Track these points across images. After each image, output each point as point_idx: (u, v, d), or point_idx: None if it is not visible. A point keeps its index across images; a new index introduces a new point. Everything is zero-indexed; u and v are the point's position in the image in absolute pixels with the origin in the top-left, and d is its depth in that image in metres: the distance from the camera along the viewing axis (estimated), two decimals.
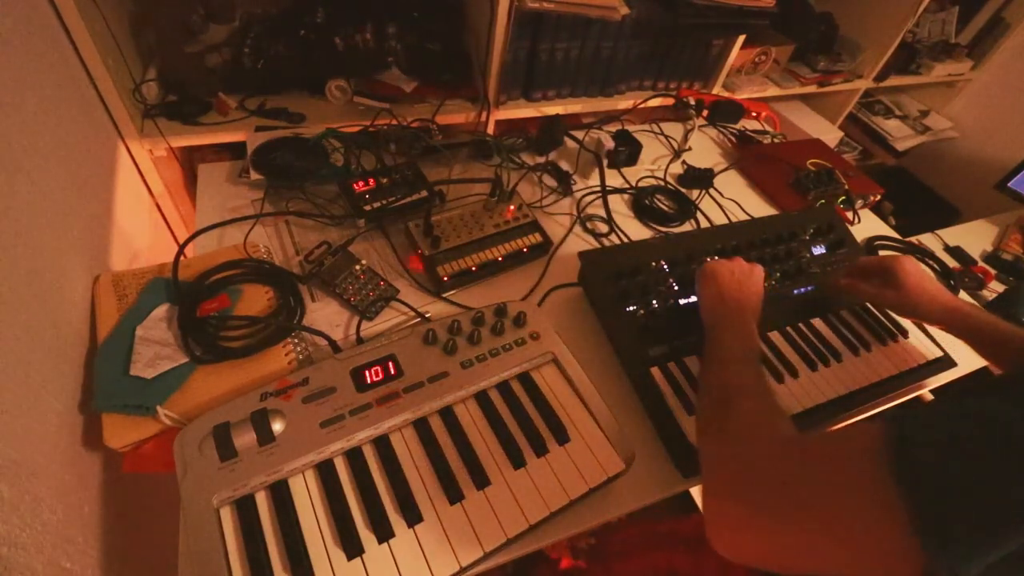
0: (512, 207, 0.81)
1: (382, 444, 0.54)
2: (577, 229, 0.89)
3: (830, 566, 0.32)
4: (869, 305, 0.81)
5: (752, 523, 0.36)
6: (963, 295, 0.96)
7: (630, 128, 1.09)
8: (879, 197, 1.09)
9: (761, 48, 1.42)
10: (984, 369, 0.82)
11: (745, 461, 0.40)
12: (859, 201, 1.06)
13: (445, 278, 0.72)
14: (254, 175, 0.81)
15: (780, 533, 0.34)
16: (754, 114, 1.29)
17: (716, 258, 0.70)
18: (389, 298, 0.71)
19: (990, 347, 0.64)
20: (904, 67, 1.67)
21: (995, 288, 1.18)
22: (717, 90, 1.34)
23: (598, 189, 0.94)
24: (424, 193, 0.82)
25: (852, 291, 0.74)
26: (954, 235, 1.30)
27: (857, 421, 0.35)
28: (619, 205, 0.96)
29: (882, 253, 0.76)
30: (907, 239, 1.05)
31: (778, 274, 0.79)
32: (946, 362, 0.77)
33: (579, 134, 1.04)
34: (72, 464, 0.55)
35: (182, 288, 0.64)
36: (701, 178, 1.04)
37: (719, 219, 0.98)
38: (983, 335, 0.64)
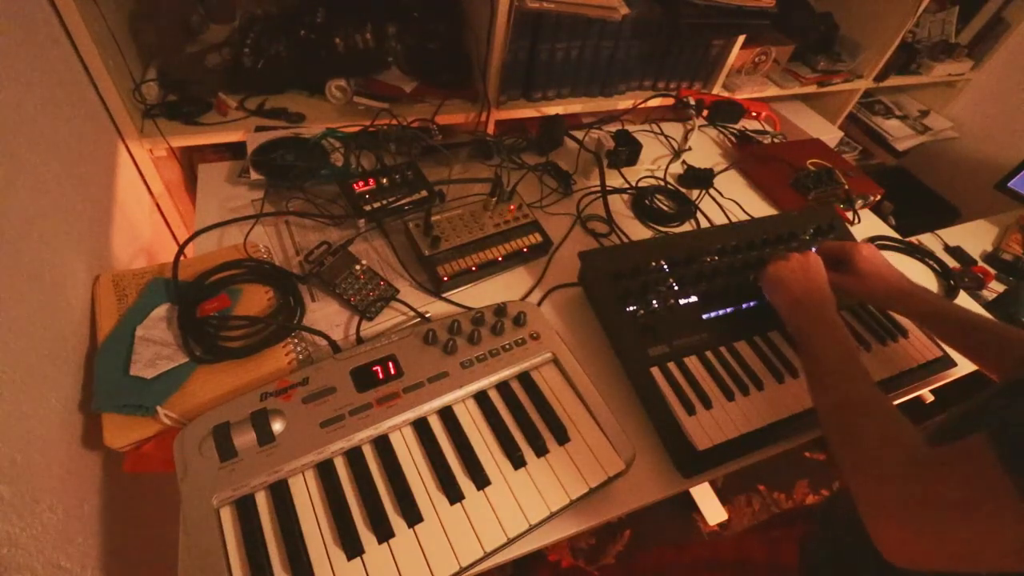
0: (512, 207, 0.81)
1: (382, 444, 0.54)
2: (577, 229, 0.90)
3: (988, 562, 0.36)
4: (871, 307, 0.81)
5: (909, 539, 0.40)
6: (963, 295, 0.95)
7: (630, 128, 1.09)
8: (879, 197, 1.09)
9: (761, 48, 1.42)
10: None
11: (887, 490, 0.42)
12: (859, 201, 1.06)
13: (445, 278, 0.72)
14: (254, 175, 0.81)
15: (935, 544, 0.38)
16: (754, 114, 1.29)
17: (777, 257, 0.71)
18: (389, 298, 0.71)
19: (948, 331, 0.67)
20: (904, 67, 1.67)
21: (995, 288, 1.18)
22: (717, 90, 1.34)
23: (598, 189, 0.94)
24: (424, 193, 0.82)
25: None
26: (954, 235, 1.30)
27: (970, 438, 0.39)
28: (619, 205, 0.96)
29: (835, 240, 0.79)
30: (907, 239, 1.05)
31: None
32: (946, 362, 0.77)
33: (579, 134, 1.04)
34: (72, 464, 0.55)
35: (182, 288, 0.64)
36: (701, 178, 1.04)
37: (719, 219, 0.98)
38: (939, 319, 0.66)
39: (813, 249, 0.74)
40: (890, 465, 0.43)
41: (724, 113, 1.23)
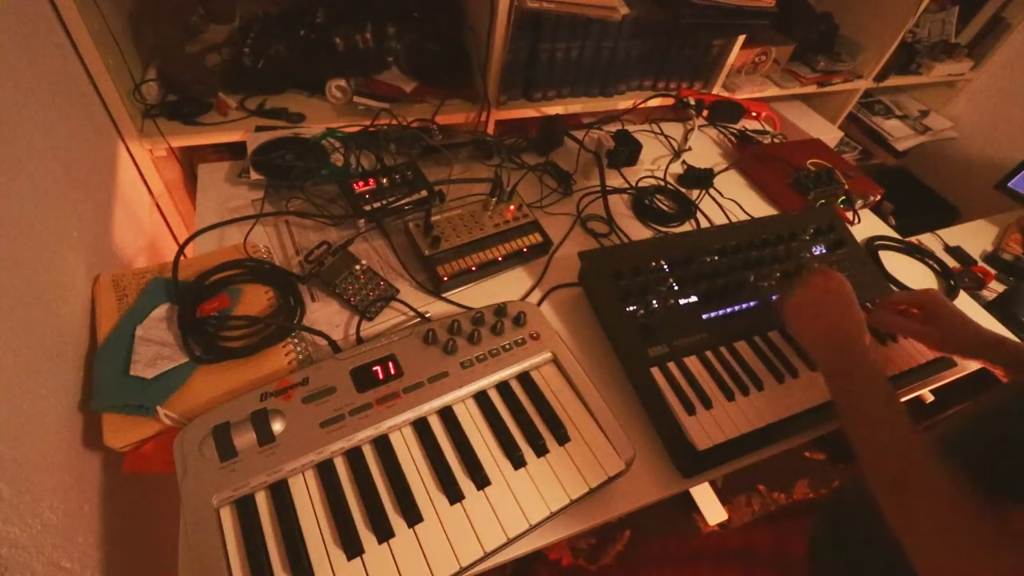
0: (512, 207, 0.81)
1: (382, 444, 0.54)
2: (577, 229, 0.90)
3: None
4: (868, 305, 0.81)
5: None
6: (963, 295, 0.96)
7: (630, 128, 1.09)
8: (879, 197, 1.09)
9: (761, 48, 1.42)
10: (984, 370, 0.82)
11: (960, 564, 0.40)
12: (859, 201, 1.06)
13: (445, 278, 0.72)
14: (254, 175, 0.81)
15: None
16: (754, 114, 1.29)
17: (797, 284, 0.67)
18: (389, 298, 0.71)
19: None
20: (904, 67, 1.67)
21: (995, 288, 1.18)
22: (717, 90, 1.34)
23: (598, 189, 0.94)
24: (424, 193, 0.82)
25: (895, 329, 0.71)
26: (954, 235, 1.30)
27: None
28: (619, 205, 0.96)
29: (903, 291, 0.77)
30: (907, 239, 1.05)
31: (778, 274, 0.79)
32: (946, 362, 0.77)
33: (579, 134, 1.04)
34: (72, 464, 0.55)
35: (182, 288, 0.64)
36: (701, 178, 1.04)
37: (719, 219, 0.98)
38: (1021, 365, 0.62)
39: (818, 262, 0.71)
40: (958, 547, 0.40)
41: (724, 113, 1.23)
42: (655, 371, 0.66)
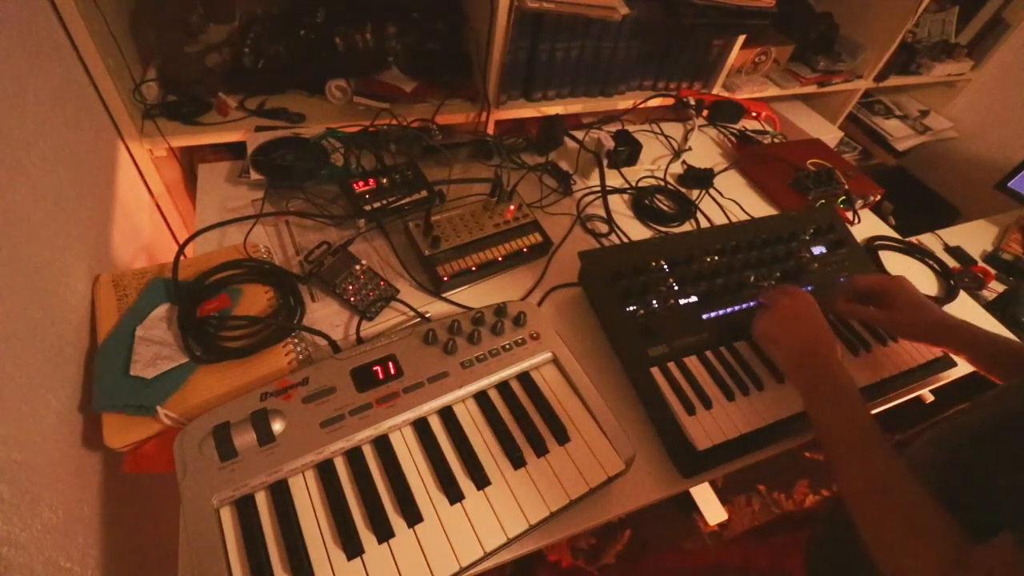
0: (512, 207, 0.81)
1: (382, 444, 0.54)
2: (577, 229, 0.90)
3: None
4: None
5: None
6: (963, 295, 0.95)
7: (630, 128, 1.09)
8: (879, 197, 1.09)
9: (761, 48, 1.42)
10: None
11: None
12: (859, 201, 1.06)
13: (445, 278, 0.72)
14: (254, 175, 0.81)
15: None
16: (754, 114, 1.29)
17: (763, 307, 0.68)
18: (389, 298, 0.71)
19: (987, 360, 0.64)
20: (904, 67, 1.66)
21: (995, 288, 1.18)
22: (717, 90, 1.34)
23: (598, 189, 0.94)
24: (424, 193, 0.82)
25: (852, 315, 0.73)
26: (954, 235, 1.30)
27: (993, 541, 0.38)
28: (619, 205, 0.96)
29: (870, 276, 0.76)
30: (907, 239, 1.05)
31: (778, 274, 0.79)
32: (946, 362, 0.77)
33: (579, 134, 1.04)
34: (72, 464, 0.55)
35: (182, 288, 0.64)
36: (701, 178, 1.04)
37: (719, 219, 0.98)
38: (979, 349, 0.64)
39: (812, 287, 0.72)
40: (926, 568, 0.41)
41: (724, 113, 1.23)
42: (655, 371, 0.66)
